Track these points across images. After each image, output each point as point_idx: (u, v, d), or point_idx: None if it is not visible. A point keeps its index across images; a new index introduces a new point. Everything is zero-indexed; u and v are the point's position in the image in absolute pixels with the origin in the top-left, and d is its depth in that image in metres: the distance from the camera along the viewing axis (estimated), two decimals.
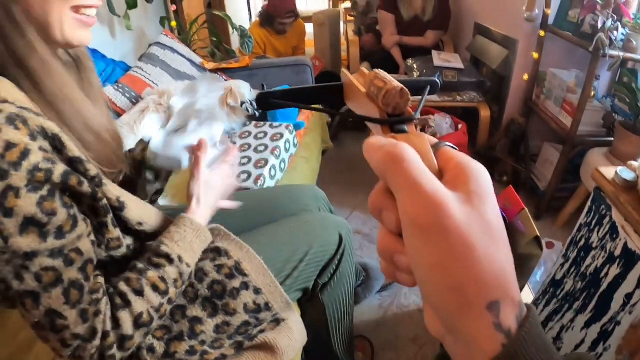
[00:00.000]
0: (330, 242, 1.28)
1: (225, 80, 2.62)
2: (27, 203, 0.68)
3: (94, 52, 2.41)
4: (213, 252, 1.08)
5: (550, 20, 2.50)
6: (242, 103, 2.07)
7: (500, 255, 0.31)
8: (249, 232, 1.24)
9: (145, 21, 3.36)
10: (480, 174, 0.34)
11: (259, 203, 1.37)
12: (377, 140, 0.35)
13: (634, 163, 1.24)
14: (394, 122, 0.39)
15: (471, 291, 0.30)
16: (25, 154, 0.67)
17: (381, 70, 0.43)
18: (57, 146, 0.73)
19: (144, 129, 1.90)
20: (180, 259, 0.95)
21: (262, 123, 1.90)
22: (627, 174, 1.20)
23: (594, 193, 1.28)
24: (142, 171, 1.28)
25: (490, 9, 3.22)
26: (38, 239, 0.70)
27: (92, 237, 0.82)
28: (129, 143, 1.89)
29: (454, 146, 0.37)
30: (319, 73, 3.87)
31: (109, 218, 0.85)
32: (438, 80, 0.53)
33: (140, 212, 0.94)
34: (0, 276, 0.71)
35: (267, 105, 0.48)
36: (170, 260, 0.94)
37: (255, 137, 1.80)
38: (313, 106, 0.49)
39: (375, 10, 4.11)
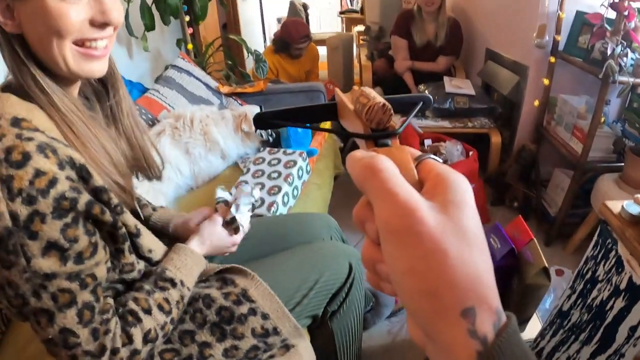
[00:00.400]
0: (340, 271, 1.30)
1: (240, 104, 2.67)
2: (52, 228, 0.73)
3: None
4: (219, 280, 1.13)
5: (561, 47, 2.52)
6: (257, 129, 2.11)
7: (476, 261, 0.31)
8: (261, 260, 1.28)
9: (162, 43, 3.43)
10: (459, 183, 0.34)
11: (272, 231, 1.40)
12: (358, 154, 0.36)
13: None
14: (377, 137, 0.40)
15: (445, 296, 0.30)
16: (53, 182, 0.72)
17: (367, 88, 0.44)
18: (84, 176, 0.78)
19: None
20: (182, 283, 1.01)
21: (275, 149, 1.93)
22: (634, 208, 1.21)
23: (600, 227, 1.30)
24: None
25: (501, 35, 3.25)
26: (59, 262, 0.75)
27: (109, 263, 0.87)
28: None
29: (438, 159, 0.38)
30: (332, 97, 3.90)
31: (126, 245, 0.90)
32: (430, 97, 0.54)
33: (151, 240, 1.00)
34: (19, 292, 0.75)
35: (264, 125, 0.50)
36: (174, 284, 0.99)
37: (269, 164, 1.84)
38: (307, 125, 0.50)
39: (387, 36, 4.16)
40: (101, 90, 1.00)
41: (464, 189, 0.34)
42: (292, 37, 3.93)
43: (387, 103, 0.40)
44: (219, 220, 1.20)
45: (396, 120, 0.42)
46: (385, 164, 0.34)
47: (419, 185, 0.35)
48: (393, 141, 0.40)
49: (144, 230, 0.96)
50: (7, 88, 0.82)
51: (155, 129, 2.09)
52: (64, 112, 0.82)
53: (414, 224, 0.30)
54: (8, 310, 0.80)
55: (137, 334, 0.89)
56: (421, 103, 0.52)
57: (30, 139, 0.72)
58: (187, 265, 1.04)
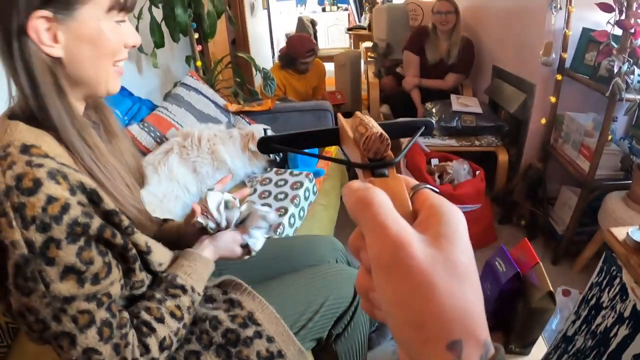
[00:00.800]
0: (345, 294, 1.31)
1: (248, 123, 2.69)
2: (68, 253, 0.74)
3: (122, 89, 2.48)
4: (226, 302, 1.13)
5: (567, 64, 2.52)
6: None
7: (464, 294, 0.31)
8: (267, 282, 1.29)
9: (172, 59, 3.47)
10: (452, 215, 0.34)
11: (278, 253, 1.41)
12: (353, 185, 0.37)
13: None
14: (374, 167, 0.40)
15: (431, 329, 0.30)
16: (65, 208, 0.73)
17: (366, 116, 0.44)
18: (95, 200, 0.79)
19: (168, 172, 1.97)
20: (192, 289, 1.03)
21: (282, 170, 1.95)
22: (638, 235, 1.21)
23: (605, 253, 1.30)
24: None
25: (508, 52, 3.26)
26: (76, 285, 0.77)
27: (122, 281, 0.89)
28: (153, 182, 1.96)
29: (434, 188, 0.39)
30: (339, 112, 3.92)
31: (137, 264, 0.92)
32: (432, 121, 0.54)
33: (161, 254, 1.01)
34: (40, 317, 0.76)
35: (268, 149, 0.50)
36: (184, 290, 1.01)
37: (276, 185, 1.85)
38: (307, 152, 0.51)
39: (395, 53, 4.18)
40: (99, 104, 1.03)
41: (457, 221, 0.34)
42: (298, 51, 3.97)
43: (384, 133, 0.40)
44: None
45: (404, 141, 0.41)
46: (379, 197, 0.34)
47: (413, 216, 0.36)
48: (390, 171, 0.40)
49: (154, 246, 0.98)
50: (14, 116, 0.83)
51: (164, 147, 2.11)
52: (77, 136, 0.84)
53: (403, 258, 0.31)
54: (28, 335, 0.81)
55: (153, 343, 0.91)
56: (423, 127, 0.52)
57: (40, 166, 0.73)
58: (197, 271, 1.06)
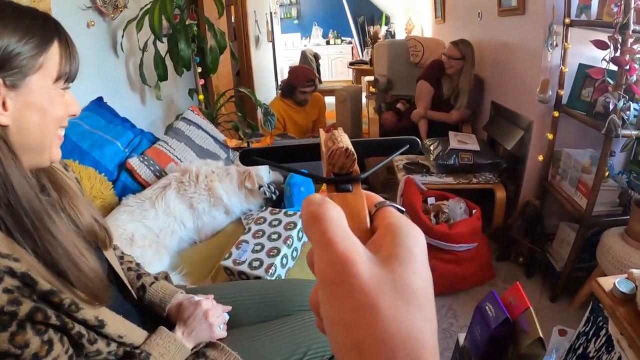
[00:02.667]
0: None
1: None
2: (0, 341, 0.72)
3: (125, 120, 2.55)
4: (192, 355, 1.15)
5: (564, 100, 2.54)
6: (260, 187, 2.15)
7: (411, 319, 0.29)
8: (252, 326, 1.30)
9: (175, 91, 3.53)
10: (409, 236, 0.33)
11: (268, 297, 1.42)
12: (310, 199, 0.35)
13: (634, 271, 1.26)
14: (336, 181, 0.39)
15: (371, 352, 0.28)
16: None
17: (339, 131, 0.44)
18: (28, 282, 0.76)
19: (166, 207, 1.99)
20: None
21: (277, 210, 1.96)
22: (625, 286, 1.22)
23: (592, 303, 1.31)
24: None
25: (506, 88, 3.30)
26: None
27: (70, 351, 0.84)
28: (150, 217, 1.98)
29: (399, 207, 0.37)
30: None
31: (84, 340, 0.87)
32: (418, 140, 0.52)
33: (119, 326, 0.96)
34: None
35: (249, 162, 0.49)
36: None
37: (270, 224, 1.87)
38: (282, 165, 0.49)
39: (395, 88, 4.23)
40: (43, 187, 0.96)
41: (413, 242, 0.33)
42: (298, 80, 4.05)
43: (350, 148, 0.40)
44: (204, 313, 1.21)
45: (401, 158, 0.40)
46: (330, 213, 0.33)
47: (369, 234, 0.35)
48: (355, 186, 0.39)
49: (109, 319, 0.92)
50: None
51: (162, 181, 2.14)
52: (26, 213, 0.79)
53: (346, 276, 0.30)
54: None
55: None
56: (407, 146, 0.51)
57: None
58: (170, 352, 1.06)
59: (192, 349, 1.16)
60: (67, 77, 0.88)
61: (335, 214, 0.33)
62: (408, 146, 0.51)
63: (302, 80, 4.04)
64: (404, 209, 0.38)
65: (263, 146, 0.49)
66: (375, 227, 0.35)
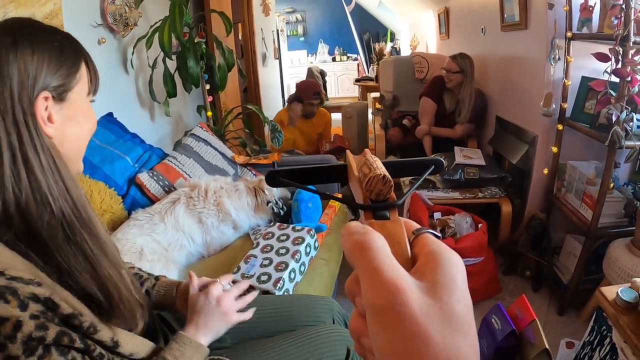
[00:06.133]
0: (337, 356, 1.31)
1: (255, 175, 2.75)
2: None
3: (134, 136, 2.59)
4: None
5: (568, 113, 2.55)
6: (268, 202, 2.18)
7: (459, 345, 0.30)
8: (259, 340, 1.30)
9: (184, 107, 3.58)
10: (451, 263, 0.34)
11: (274, 310, 1.42)
12: (352, 227, 0.36)
13: (637, 280, 1.27)
14: (375, 208, 0.40)
15: None
16: (17, 325, 0.71)
17: (371, 156, 0.44)
18: (51, 307, 0.77)
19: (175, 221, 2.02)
20: None
21: (285, 225, 1.99)
22: (628, 295, 1.23)
23: (596, 313, 1.32)
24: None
25: (510, 103, 3.31)
26: None
27: None
28: (159, 231, 2.00)
29: (436, 233, 0.38)
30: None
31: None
32: (442, 160, 0.53)
33: (132, 345, 0.97)
34: None
35: (275, 183, 0.49)
36: None
37: (278, 239, 1.89)
38: (313, 188, 0.50)
39: (401, 104, 4.26)
40: None
41: (455, 270, 0.34)
42: (305, 92, 4.10)
43: (387, 175, 0.40)
44: (217, 301, 1.19)
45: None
46: (375, 242, 0.34)
47: (412, 262, 0.36)
48: (392, 213, 0.40)
49: (123, 339, 0.93)
50: None
51: (171, 196, 2.17)
52: (76, 218, 0.82)
53: (397, 306, 0.30)
54: None
55: None
56: (432, 167, 0.51)
57: None
58: (185, 355, 1.06)
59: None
60: (94, 91, 0.95)
61: (380, 243, 0.34)
62: (433, 167, 0.51)
63: (309, 93, 4.09)
64: (440, 235, 0.39)
65: (289, 167, 0.49)
66: (416, 255, 0.36)
